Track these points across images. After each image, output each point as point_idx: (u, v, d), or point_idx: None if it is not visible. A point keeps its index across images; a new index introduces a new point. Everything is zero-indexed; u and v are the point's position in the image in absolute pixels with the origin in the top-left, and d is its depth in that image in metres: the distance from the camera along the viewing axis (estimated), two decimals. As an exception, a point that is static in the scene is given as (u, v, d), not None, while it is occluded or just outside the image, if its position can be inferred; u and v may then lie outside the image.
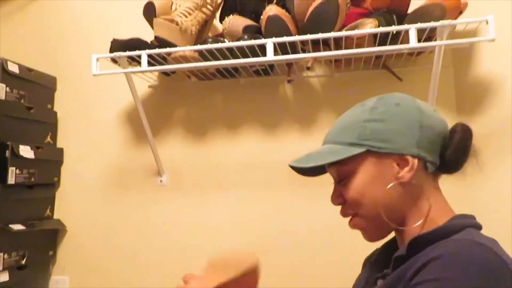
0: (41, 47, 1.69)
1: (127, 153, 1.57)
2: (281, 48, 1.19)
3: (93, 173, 1.59)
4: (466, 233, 0.63)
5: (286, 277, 1.39)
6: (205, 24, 1.36)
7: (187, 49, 1.21)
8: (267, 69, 1.39)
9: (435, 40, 1.09)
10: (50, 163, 1.56)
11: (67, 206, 1.60)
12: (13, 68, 1.43)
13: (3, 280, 1.33)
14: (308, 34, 1.12)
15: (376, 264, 0.78)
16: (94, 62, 1.24)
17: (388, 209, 0.69)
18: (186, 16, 1.28)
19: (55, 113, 1.63)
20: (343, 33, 1.11)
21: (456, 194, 1.29)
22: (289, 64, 1.36)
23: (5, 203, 1.36)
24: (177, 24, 1.26)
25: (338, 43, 1.22)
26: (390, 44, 1.16)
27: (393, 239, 0.79)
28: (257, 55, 1.20)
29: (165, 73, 1.48)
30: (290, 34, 1.17)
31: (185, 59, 1.26)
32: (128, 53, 1.22)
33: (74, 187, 1.60)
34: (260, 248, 1.42)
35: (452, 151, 0.68)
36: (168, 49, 1.21)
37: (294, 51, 1.22)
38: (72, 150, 1.62)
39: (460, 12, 1.18)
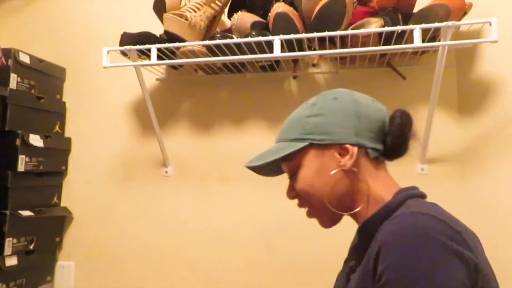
0: (51, 38, 1.72)
1: (133, 144, 1.61)
2: (288, 45, 1.21)
3: (99, 162, 1.63)
4: (406, 206, 0.67)
5: (289, 268, 1.42)
6: (214, 19, 1.39)
7: (196, 44, 1.24)
8: (273, 65, 1.42)
9: (439, 40, 1.11)
10: (58, 152, 1.60)
11: (74, 194, 1.63)
12: (24, 58, 1.46)
13: (12, 264, 1.37)
14: (315, 32, 1.15)
15: (350, 256, 0.83)
16: (105, 55, 1.27)
17: (334, 197, 0.73)
18: (195, 11, 1.31)
19: (64, 103, 1.66)
20: (349, 31, 1.14)
21: (457, 193, 1.32)
22: (295, 61, 1.38)
23: (14, 190, 1.39)
24: (186, 19, 1.29)
25: (344, 41, 1.24)
26: (395, 43, 1.19)
27: None
28: (264, 51, 1.22)
29: (172, 67, 1.51)
30: (297, 31, 1.20)
31: (193, 53, 1.28)
32: (138, 46, 1.25)
33: (81, 176, 1.64)
34: (263, 240, 1.46)
35: (391, 137, 0.73)
36: (177, 44, 1.24)
37: (301, 48, 1.25)
38: (80, 140, 1.65)
39: (465, 13, 1.20)
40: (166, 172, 1.55)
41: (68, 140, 1.64)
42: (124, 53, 1.34)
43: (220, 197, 1.51)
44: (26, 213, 1.41)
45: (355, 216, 0.76)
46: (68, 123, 1.66)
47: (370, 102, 0.76)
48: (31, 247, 1.45)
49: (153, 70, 1.52)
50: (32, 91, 1.50)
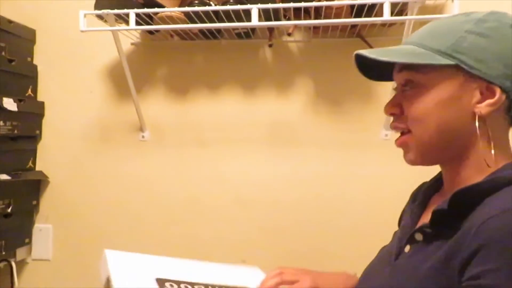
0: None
1: (109, 108, 1.62)
2: (264, 14, 1.25)
3: (75, 126, 1.63)
4: None
5: (263, 230, 1.52)
6: (191, -16, 1.39)
7: (175, 10, 1.25)
8: (249, 32, 1.45)
9: (406, 14, 1.19)
10: (32, 116, 1.59)
11: (49, 158, 1.64)
12: (-7, 19, 1.42)
13: (-10, 227, 1.39)
14: (291, 2, 1.20)
15: (419, 208, 0.72)
16: (82, 18, 1.26)
17: (449, 139, 0.61)
18: (172, -24, 1.31)
19: (35, 66, 1.63)
20: (324, 3, 1.20)
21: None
22: (271, 29, 1.43)
23: (-9, 154, 1.39)
24: (164, -16, 1.30)
25: (318, 11, 1.29)
26: (366, 14, 1.26)
27: (440, 177, 0.72)
28: (242, 19, 1.26)
29: (149, 32, 1.51)
30: (274, 1, 1.24)
31: (171, 19, 1.30)
32: (117, 11, 1.25)
33: (56, 139, 1.64)
34: (238, 204, 1.54)
35: None
36: (157, 10, 1.25)
37: (277, 17, 1.29)
38: (53, 104, 1.65)
39: (430, -11, 1.28)
40: (142, 136, 1.59)
41: (41, 104, 1.63)
42: (100, 17, 1.33)
43: (196, 162, 1.57)
44: (3, 176, 1.41)
45: (450, 168, 0.65)
46: (40, 87, 1.65)
47: None
48: (9, 210, 1.47)
49: (129, 35, 1.52)
50: (3, 53, 1.47)
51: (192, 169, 1.57)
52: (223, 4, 1.25)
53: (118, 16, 1.31)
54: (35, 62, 1.64)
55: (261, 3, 1.21)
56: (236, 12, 1.25)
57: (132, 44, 1.58)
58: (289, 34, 1.36)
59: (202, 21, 1.29)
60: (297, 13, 1.30)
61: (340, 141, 1.50)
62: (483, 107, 0.59)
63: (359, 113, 1.49)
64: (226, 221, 1.55)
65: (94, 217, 1.62)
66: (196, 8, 1.24)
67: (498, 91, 0.58)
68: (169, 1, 1.31)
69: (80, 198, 1.63)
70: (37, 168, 1.63)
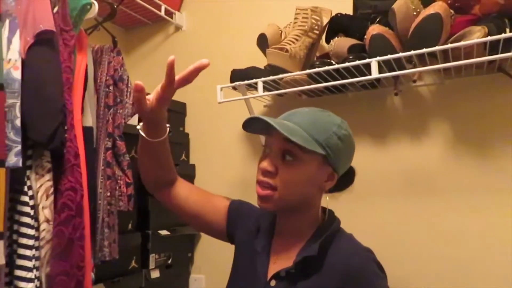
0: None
1: (247, 166, 1.76)
2: (386, 64, 1.24)
3: (221, 184, 1.82)
4: (346, 234, 0.90)
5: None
6: (312, 46, 1.47)
7: (298, 74, 1.34)
8: (374, 83, 1.44)
9: (554, 42, 1.04)
10: (186, 177, 1.78)
11: (200, 214, 1.84)
12: (154, 100, 1.71)
13: (155, 276, 1.61)
14: (412, 50, 1.16)
15: (267, 248, 0.92)
16: (219, 92, 1.44)
17: (302, 201, 0.86)
18: (294, 43, 1.41)
19: (187, 134, 1.90)
20: (448, 46, 1.13)
21: None
22: (396, 77, 1.40)
23: (154, 213, 1.64)
24: (286, 51, 1.40)
25: (445, 54, 1.22)
26: (503, 48, 1.14)
27: (273, 221, 0.95)
28: (363, 73, 1.27)
29: (278, 94, 1.63)
30: (394, 51, 1.22)
31: (295, 81, 1.38)
32: (246, 82, 1.40)
33: (205, 197, 1.84)
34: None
35: (342, 185, 0.93)
36: (280, 75, 1.35)
37: (399, 65, 1.26)
38: (203, 166, 1.87)
39: None
40: (278, 191, 1.67)
41: (193, 166, 1.87)
42: (234, 88, 1.50)
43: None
44: (164, 232, 1.64)
45: (293, 219, 0.89)
46: (192, 152, 1.90)
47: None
48: (169, 261, 1.69)
49: (261, 98, 1.66)
50: (162, 127, 1.75)
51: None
52: (343, 61, 1.28)
53: (249, 85, 1.46)
54: (186, 130, 1.91)
55: (381, 55, 1.21)
56: (357, 67, 1.26)
57: (264, 106, 1.72)
58: (414, 81, 1.30)
59: (325, 79, 1.34)
60: (423, 58, 1.25)
61: (489, 188, 1.33)
62: (327, 185, 0.87)
63: (510, 154, 1.31)
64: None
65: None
66: (317, 69, 1.30)
67: (336, 176, 0.87)
68: (292, 65, 1.40)
69: (229, 250, 1.76)
70: (191, 223, 1.85)
